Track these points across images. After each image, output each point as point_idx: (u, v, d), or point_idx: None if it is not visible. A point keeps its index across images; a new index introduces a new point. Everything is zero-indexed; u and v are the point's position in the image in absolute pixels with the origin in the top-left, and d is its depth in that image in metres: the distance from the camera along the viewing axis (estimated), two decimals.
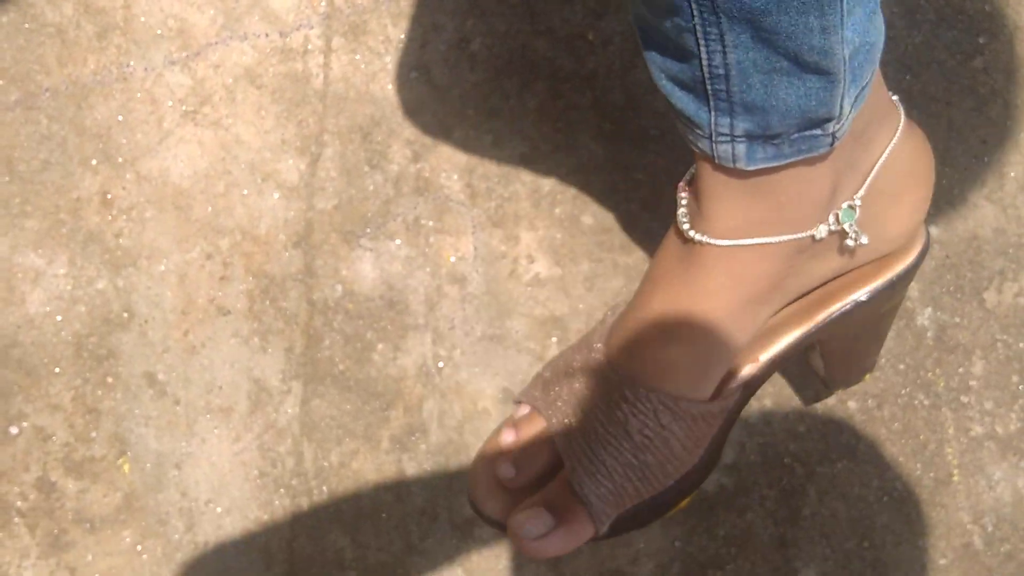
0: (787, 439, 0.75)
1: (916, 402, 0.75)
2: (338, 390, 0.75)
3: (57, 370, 0.75)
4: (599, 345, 0.63)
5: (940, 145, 0.77)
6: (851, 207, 0.59)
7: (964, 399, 0.75)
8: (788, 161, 0.54)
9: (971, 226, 0.76)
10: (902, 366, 0.75)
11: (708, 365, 0.60)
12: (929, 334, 0.75)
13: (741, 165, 0.54)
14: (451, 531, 0.74)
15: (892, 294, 0.64)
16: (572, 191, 0.76)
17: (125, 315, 0.75)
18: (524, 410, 0.65)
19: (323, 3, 0.78)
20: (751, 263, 0.58)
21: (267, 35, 0.77)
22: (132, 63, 0.77)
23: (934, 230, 0.76)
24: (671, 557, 0.74)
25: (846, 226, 0.58)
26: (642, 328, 0.60)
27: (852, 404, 0.75)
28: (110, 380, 0.75)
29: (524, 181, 0.77)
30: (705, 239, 0.58)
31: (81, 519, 0.74)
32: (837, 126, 0.53)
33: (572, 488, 0.60)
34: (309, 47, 0.77)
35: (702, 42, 0.49)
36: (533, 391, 0.65)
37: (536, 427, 0.64)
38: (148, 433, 0.74)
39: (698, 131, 0.54)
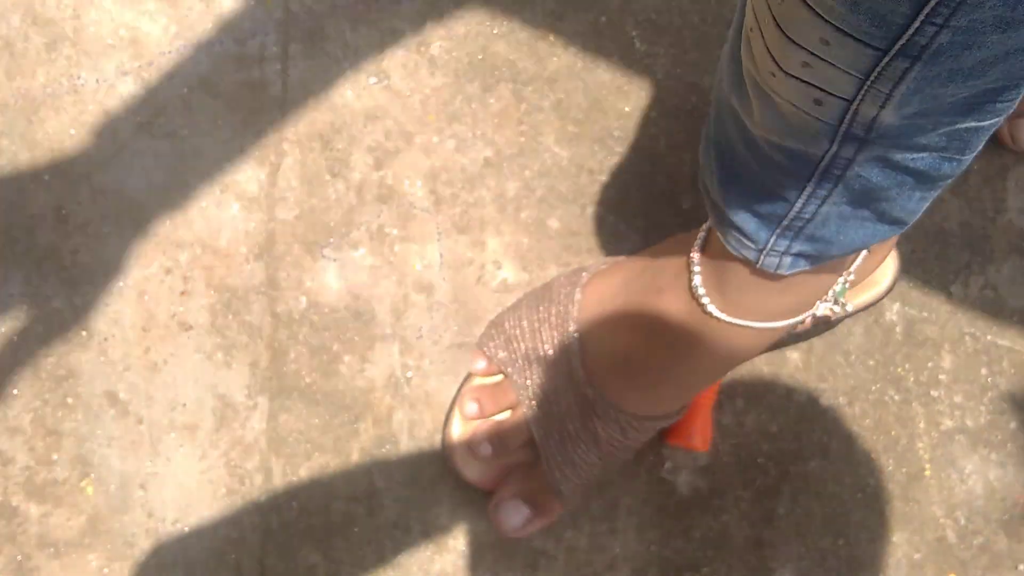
0: (760, 439, 0.74)
1: (887, 398, 0.75)
2: (305, 404, 0.74)
3: (15, 392, 0.73)
4: (574, 332, 0.67)
5: None
6: (845, 282, 0.61)
7: (934, 393, 0.75)
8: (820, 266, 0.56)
9: (937, 220, 0.77)
10: (872, 362, 0.75)
11: (683, 401, 0.68)
12: (898, 329, 0.76)
13: (781, 272, 0.56)
14: (425, 543, 0.73)
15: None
16: (538, 195, 0.76)
17: (84, 334, 0.73)
18: (481, 363, 0.71)
19: (278, 9, 0.76)
20: (756, 338, 0.62)
21: (222, 43, 0.76)
22: (83, 75, 0.75)
23: None
24: (647, 561, 0.74)
25: (840, 298, 0.61)
26: (634, 370, 0.66)
27: (823, 402, 0.75)
28: (70, 401, 0.73)
29: (489, 186, 0.76)
30: (723, 316, 0.60)
31: (45, 544, 0.72)
32: None
33: (545, 479, 0.69)
34: (266, 54, 0.76)
35: (803, 197, 0.48)
36: (495, 347, 0.70)
37: (504, 397, 0.70)
38: (111, 453, 0.73)
39: (748, 244, 0.54)
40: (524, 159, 0.76)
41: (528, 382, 0.69)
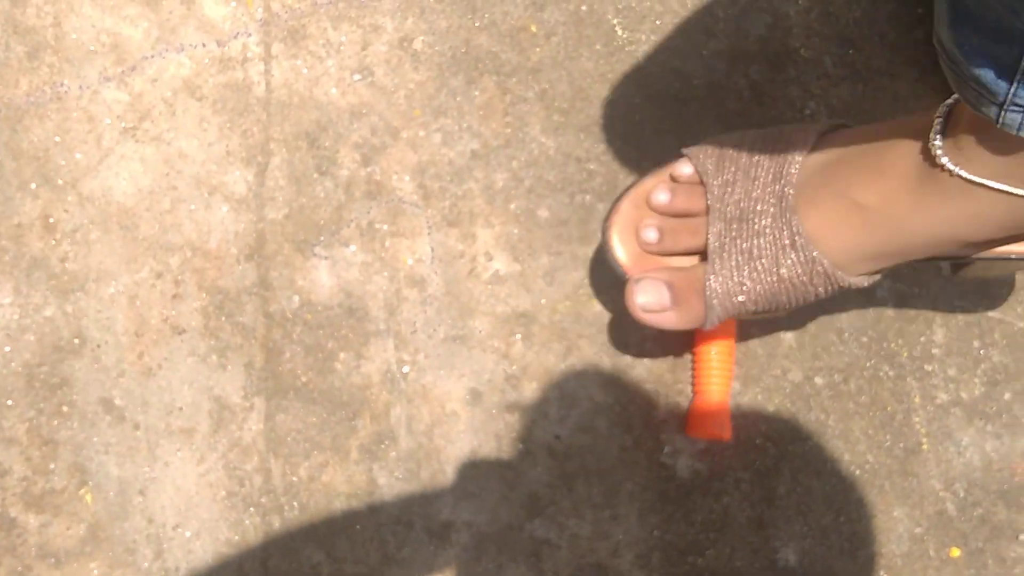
0: (758, 420, 0.75)
1: (881, 374, 0.75)
2: (302, 403, 0.73)
3: (9, 402, 0.72)
4: (794, 171, 0.64)
5: (887, 117, 0.77)
6: None
7: (928, 367, 0.76)
8: None
9: None
10: (864, 339, 0.76)
11: (886, 261, 0.64)
12: (889, 305, 0.76)
13: None
14: (428, 538, 0.73)
15: None
16: (526, 185, 0.76)
17: (76, 341, 0.73)
18: (686, 169, 0.68)
19: (260, 9, 0.76)
20: (988, 206, 0.59)
21: (204, 45, 0.76)
22: (66, 82, 0.75)
23: None
24: (650, 546, 0.74)
25: None
26: (850, 214, 0.62)
27: (819, 380, 0.75)
28: (65, 409, 0.72)
29: (477, 178, 0.76)
30: (958, 171, 0.58)
31: (45, 554, 0.71)
32: None
33: (703, 285, 0.65)
34: (248, 55, 0.76)
35: None
36: (705, 158, 0.68)
37: (695, 201, 0.67)
38: (109, 460, 0.72)
39: (989, 98, 0.52)
40: (511, 150, 0.76)
41: (727, 194, 0.66)
